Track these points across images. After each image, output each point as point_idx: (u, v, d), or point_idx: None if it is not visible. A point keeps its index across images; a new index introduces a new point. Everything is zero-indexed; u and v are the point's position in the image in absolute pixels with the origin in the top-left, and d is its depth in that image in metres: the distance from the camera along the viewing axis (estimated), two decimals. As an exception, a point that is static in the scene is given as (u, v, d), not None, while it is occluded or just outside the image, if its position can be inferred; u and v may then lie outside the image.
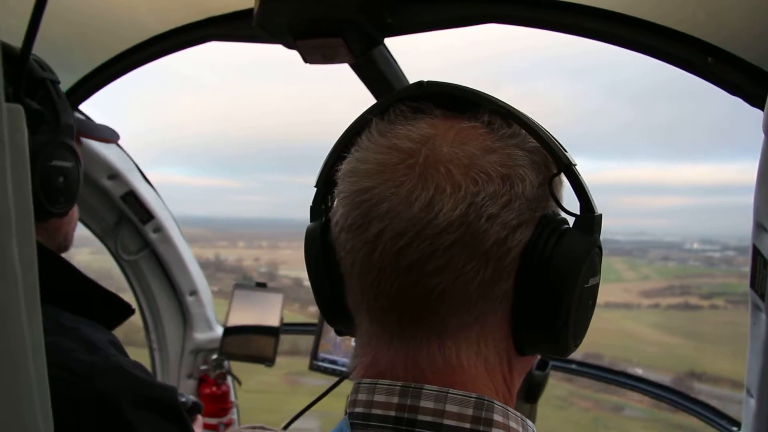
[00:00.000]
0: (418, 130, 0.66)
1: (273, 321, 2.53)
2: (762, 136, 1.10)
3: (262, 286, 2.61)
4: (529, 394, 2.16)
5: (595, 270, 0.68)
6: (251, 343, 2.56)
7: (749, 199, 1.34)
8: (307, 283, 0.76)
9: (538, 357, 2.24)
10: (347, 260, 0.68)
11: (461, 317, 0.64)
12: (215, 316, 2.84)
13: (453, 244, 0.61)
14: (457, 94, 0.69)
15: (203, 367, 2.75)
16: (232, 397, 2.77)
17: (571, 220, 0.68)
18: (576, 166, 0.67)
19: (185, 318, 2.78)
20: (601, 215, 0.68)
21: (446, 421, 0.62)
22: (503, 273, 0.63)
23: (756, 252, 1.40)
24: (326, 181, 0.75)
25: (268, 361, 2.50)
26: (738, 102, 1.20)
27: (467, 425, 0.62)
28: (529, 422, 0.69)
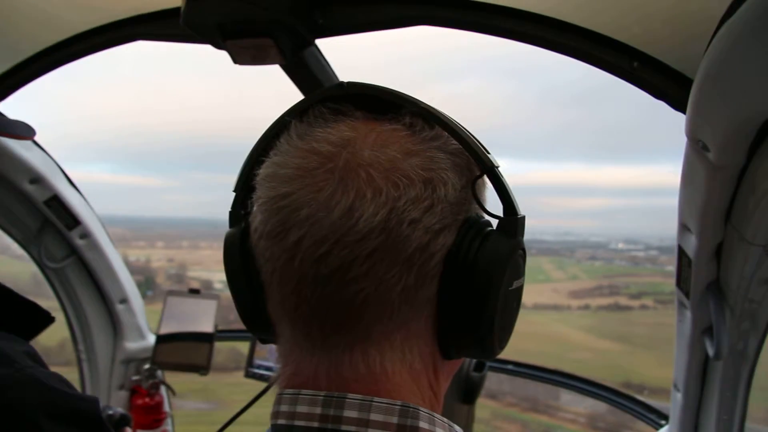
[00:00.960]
0: (337, 133, 0.64)
1: (207, 328, 2.47)
2: (685, 139, 1.13)
3: (195, 292, 2.54)
4: (467, 396, 2.17)
5: (519, 272, 0.68)
6: (185, 351, 2.49)
7: (670, 201, 1.38)
8: (217, 285, 0.74)
9: (473, 359, 2.26)
10: (267, 268, 0.66)
11: (385, 324, 0.63)
12: (147, 324, 2.75)
13: (375, 251, 0.59)
14: (378, 96, 0.67)
15: (135, 378, 2.65)
16: (166, 408, 2.69)
17: (493, 223, 0.68)
18: (498, 168, 0.66)
19: (115, 327, 2.67)
20: (524, 217, 0.68)
21: (371, 431, 0.60)
22: (426, 278, 0.63)
23: (681, 252, 1.44)
24: (245, 186, 0.72)
25: (203, 369, 2.44)
26: (663, 106, 1.23)
27: None
28: (457, 427, 0.69)
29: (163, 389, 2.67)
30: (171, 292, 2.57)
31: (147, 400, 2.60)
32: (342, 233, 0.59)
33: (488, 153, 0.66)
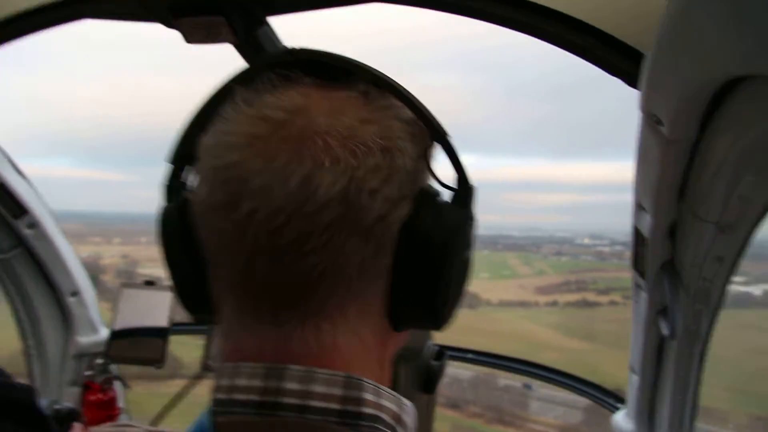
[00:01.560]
0: (289, 99, 0.61)
1: (162, 320, 2.41)
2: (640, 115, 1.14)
3: (150, 284, 2.47)
4: (426, 385, 2.16)
5: (471, 242, 0.68)
6: (139, 345, 2.41)
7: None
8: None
9: (433, 345, 2.25)
10: (213, 242, 0.63)
11: (340, 297, 0.61)
12: (100, 317, 2.67)
13: (333, 222, 0.57)
14: (330, 62, 0.65)
15: (88, 373, 2.57)
16: (121, 403, 2.61)
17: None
18: (450, 138, 0.66)
19: (67, 320, 2.59)
20: (475, 188, 0.67)
21: (313, 403, 0.58)
22: (384, 250, 0.61)
23: (637, 233, 1.45)
24: (183, 156, 0.68)
25: (157, 362, 2.37)
26: (630, 101, 1.22)
27: (335, 406, 0.59)
28: (407, 401, 0.67)
29: (117, 385, 2.59)
30: (125, 285, 2.50)
31: (100, 395, 2.51)
32: (299, 204, 0.57)
33: (441, 124, 0.65)
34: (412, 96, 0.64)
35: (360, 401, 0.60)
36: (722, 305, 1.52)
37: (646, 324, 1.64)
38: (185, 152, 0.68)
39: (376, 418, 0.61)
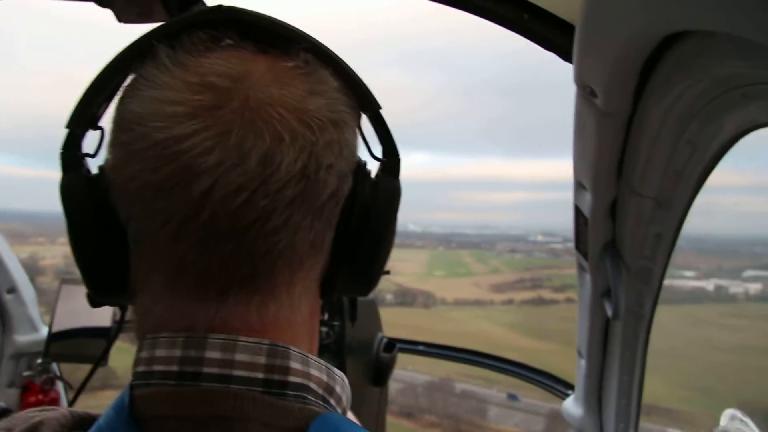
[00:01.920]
0: (229, 65, 0.57)
1: (105, 317, 2.30)
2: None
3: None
4: (378, 378, 2.14)
5: (398, 211, 0.68)
6: (81, 343, 2.31)
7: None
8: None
9: (383, 337, 2.22)
10: (150, 222, 0.57)
11: (291, 275, 0.59)
12: (39, 315, 2.55)
13: (294, 199, 0.56)
14: (270, 28, 0.61)
15: (27, 374, 2.45)
16: (63, 404, 2.50)
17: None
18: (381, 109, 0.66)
19: (3, 319, 2.45)
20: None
21: (236, 372, 0.55)
22: (331, 224, 0.61)
23: (578, 212, 1.44)
24: (88, 122, 0.62)
25: (101, 361, 2.27)
26: None
27: (260, 375, 0.56)
28: (339, 373, 0.65)
29: (59, 385, 2.48)
30: (65, 280, 2.38)
31: (41, 397, 2.40)
32: (261, 181, 0.54)
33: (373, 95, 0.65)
34: (349, 68, 0.63)
35: (286, 370, 0.57)
36: (662, 285, 1.52)
37: (591, 306, 1.64)
38: (90, 116, 0.62)
39: (303, 387, 0.58)
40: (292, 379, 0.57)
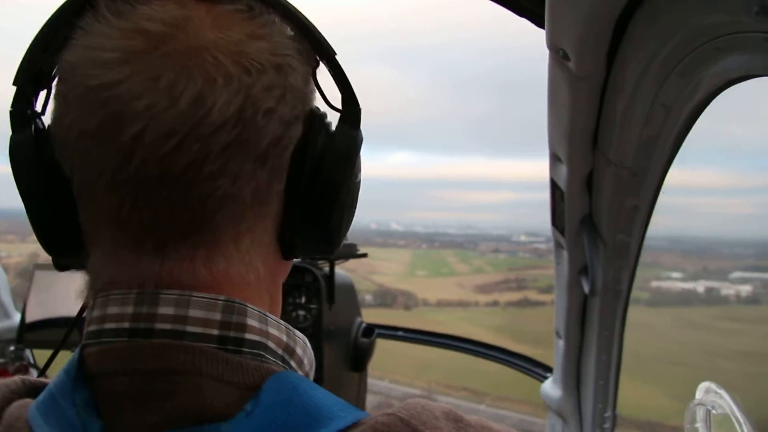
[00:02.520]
0: (167, 11, 0.54)
1: (79, 303, 2.26)
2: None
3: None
4: (356, 363, 2.12)
5: (360, 164, 0.65)
6: (54, 328, 2.27)
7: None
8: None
9: (361, 322, 2.20)
10: (88, 173, 0.55)
11: (235, 226, 0.56)
12: (12, 301, 2.51)
13: (230, 144, 0.53)
14: None
15: (-1, 361, 2.41)
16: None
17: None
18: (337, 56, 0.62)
19: (-27, 305, 2.42)
20: (361, 109, 0.64)
21: (189, 328, 0.53)
22: (278, 174, 0.57)
23: (554, 186, 1.43)
24: (34, 77, 0.59)
25: (75, 346, 2.24)
26: None
27: (214, 331, 0.54)
28: (301, 335, 0.63)
29: (33, 373, 2.44)
30: (38, 266, 2.35)
31: (13, 384, 2.36)
32: (193, 125, 0.51)
33: (328, 42, 0.62)
34: (298, 12, 0.60)
35: (242, 327, 0.55)
36: (639, 260, 1.52)
37: (568, 284, 1.63)
38: (36, 72, 0.59)
39: (261, 345, 0.56)
40: (249, 336, 0.55)
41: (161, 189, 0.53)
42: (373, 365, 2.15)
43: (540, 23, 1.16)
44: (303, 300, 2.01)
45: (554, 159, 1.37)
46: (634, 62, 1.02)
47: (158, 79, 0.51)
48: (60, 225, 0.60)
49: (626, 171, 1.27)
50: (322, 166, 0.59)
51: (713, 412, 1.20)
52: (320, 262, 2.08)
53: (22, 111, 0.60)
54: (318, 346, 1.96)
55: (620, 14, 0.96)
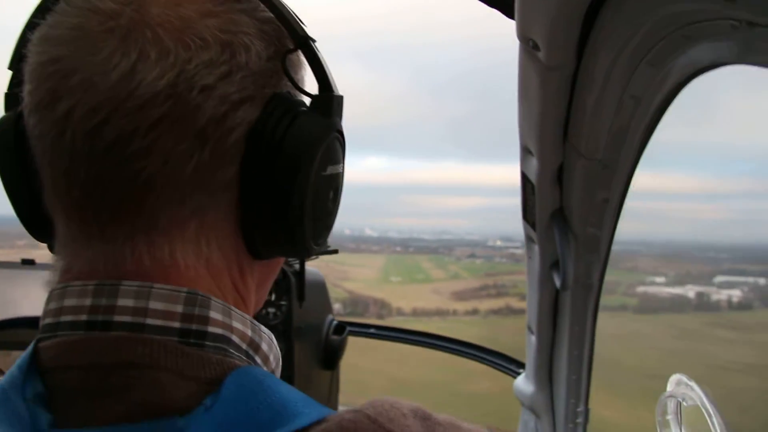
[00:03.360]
0: None
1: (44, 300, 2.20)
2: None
3: (29, 263, 2.26)
4: (328, 361, 2.10)
5: (336, 156, 0.61)
6: (17, 328, 2.20)
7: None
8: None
9: (332, 319, 2.18)
10: (38, 148, 0.55)
11: (175, 210, 0.54)
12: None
13: (160, 120, 0.51)
14: None
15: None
16: None
17: None
18: (315, 43, 0.60)
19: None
20: (341, 97, 0.61)
21: (149, 321, 0.51)
22: (225, 158, 0.54)
23: (524, 179, 1.42)
24: (22, 60, 0.59)
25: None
26: None
27: (176, 324, 0.52)
28: (267, 331, 0.61)
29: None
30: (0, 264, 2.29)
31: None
32: (121, 99, 0.51)
33: (304, 25, 0.59)
34: None
35: (205, 320, 0.53)
36: (610, 254, 1.52)
37: (540, 279, 1.63)
38: (23, 56, 0.59)
39: (224, 339, 0.54)
40: (212, 329, 0.54)
41: (91, 166, 0.52)
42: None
43: (510, 13, 1.15)
44: (273, 297, 1.98)
45: (525, 152, 1.36)
46: (604, 52, 1.02)
47: (96, 54, 0.51)
48: (28, 207, 0.60)
49: (597, 163, 1.26)
50: (279, 154, 0.55)
51: (684, 404, 1.20)
52: (291, 259, 2.05)
53: (14, 93, 0.60)
54: (288, 344, 1.94)
55: (591, 3, 0.95)
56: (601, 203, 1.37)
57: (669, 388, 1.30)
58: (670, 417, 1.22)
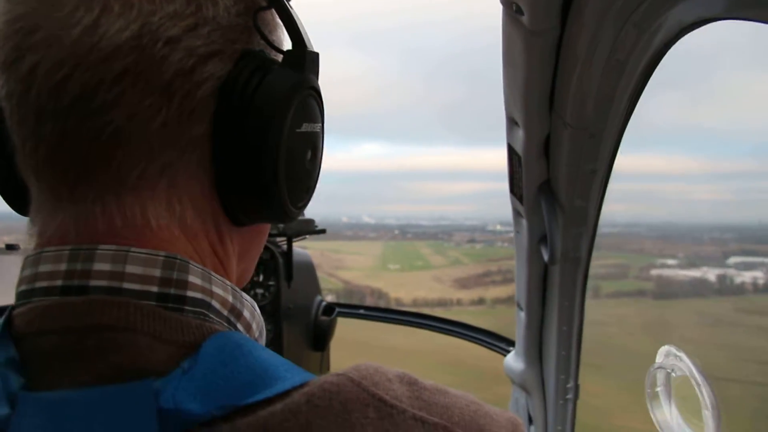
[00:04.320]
0: None
1: None
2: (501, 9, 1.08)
3: (12, 248, 2.24)
4: (317, 342, 2.09)
5: (312, 114, 0.59)
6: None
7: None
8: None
9: (321, 300, 2.16)
10: (7, 109, 0.54)
11: (143, 167, 0.52)
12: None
13: (124, 73, 0.50)
14: None
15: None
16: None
17: None
18: (290, 2, 0.58)
19: None
20: (317, 53, 0.59)
21: (127, 285, 0.50)
22: (194, 113, 0.53)
23: (511, 151, 1.41)
24: None
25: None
26: None
27: (154, 288, 0.51)
28: (249, 298, 0.60)
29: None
30: None
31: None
32: (83, 53, 0.50)
33: None
34: None
35: (183, 284, 0.52)
36: (598, 226, 1.50)
37: (528, 254, 1.61)
38: None
39: (203, 304, 0.53)
40: (191, 294, 0.52)
41: (56, 123, 0.51)
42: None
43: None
44: (260, 278, 1.96)
45: (511, 123, 1.34)
46: (588, 14, 1.00)
47: (59, 10, 0.50)
48: (8, 176, 0.58)
49: (583, 132, 1.25)
50: (249, 110, 0.54)
51: (673, 374, 1.19)
52: (279, 239, 2.03)
53: None
54: (277, 325, 1.92)
55: (573, -38, 0.93)
56: (589, 174, 1.36)
57: (658, 359, 1.30)
58: (659, 389, 1.21)
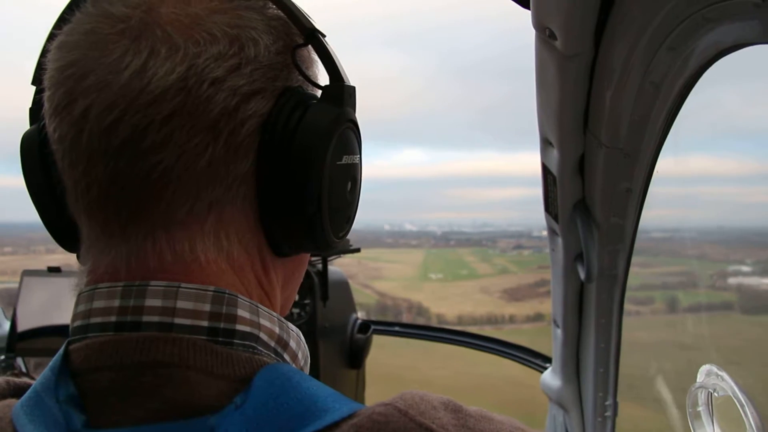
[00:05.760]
0: None
1: (69, 309, 2.24)
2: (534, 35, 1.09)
3: (55, 271, 2.30)
4: (353, 360, 2.10)
5: (351, 147, 0.61)
6: (47, 336, 2.24)
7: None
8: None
9: (357, 319, 2.18)
10: (59, 152, 0.56)
11: (191, 204, 0.54)
12: (2, 310, 2.47)
13: (172, 115, 0.52)
14: None
15: (-11, 371, 2.37)
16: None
17: None
18: (326, 38, 0.60)
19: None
20: (353, 87, 0.61)
21: (178, 320, 0.52)
22: (239, 151, 0.55)
23: (545, 171, 1.41)
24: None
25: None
26: None
27: (204, 323, 0.53)
28: (294, 328, 0.61)
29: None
30: (27, 272, 2.33)
31: (6, 393, 2.33)
32: (133, 96, 0.52)
33: (312, 21, 0.60)
34: None
35: (233, 318, 0.54)
36: (635, 243, 1.50)
37: (564, 272, 1.61)
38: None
39: (252, 337, 0.55)
40: (240, 327, 0.54)
41: (108, 164, 0.53)
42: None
43: (525, 3, 1.13)
44: (297, 297, 1.98)
45: (545, 143, 1.35)
46: (622, 39, 1.00)
47: (109, 55, 0.53)
48: (55, 210, 0.61)
49: (618, 152, 1.24)
50: (291, 145, 0.56)
51: (715, 394, 1.17)
52: (313, 258, 2.05)
53: (37, 108, 0.62)
54: (313, 344, 1.94)
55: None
56: (624, 192, 1.35)
57: (699, 378, 1.28)
58: (701, 408, 1.19)
